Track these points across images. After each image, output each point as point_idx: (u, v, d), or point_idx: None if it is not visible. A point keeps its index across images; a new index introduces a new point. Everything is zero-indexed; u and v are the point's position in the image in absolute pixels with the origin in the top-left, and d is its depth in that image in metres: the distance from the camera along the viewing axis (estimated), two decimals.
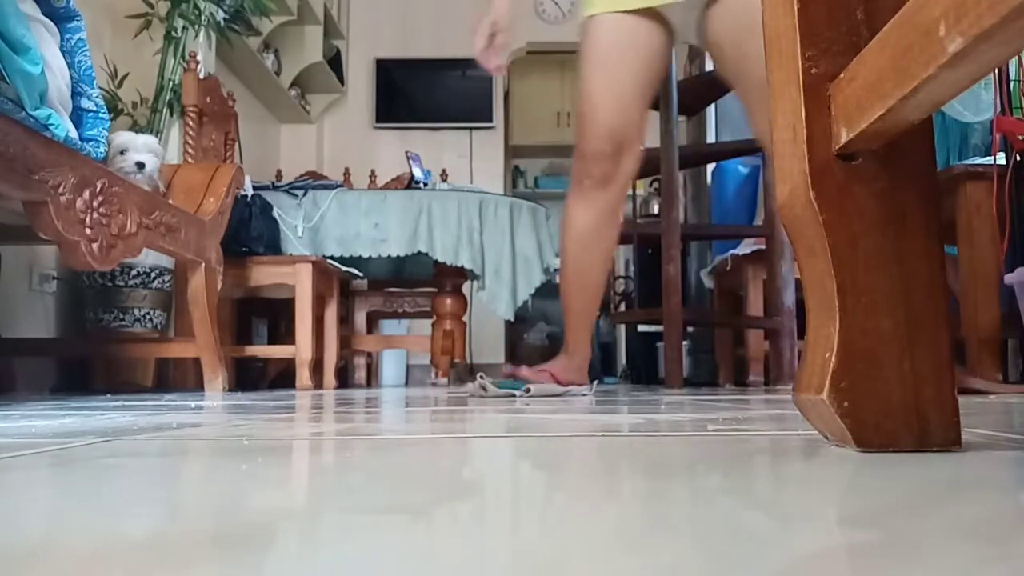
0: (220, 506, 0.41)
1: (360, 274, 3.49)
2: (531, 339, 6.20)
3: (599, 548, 0.30)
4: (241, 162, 3.24)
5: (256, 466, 0.55)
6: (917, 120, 0.56)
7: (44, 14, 1.64)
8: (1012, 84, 2.27)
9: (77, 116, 1.72)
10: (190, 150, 2.86)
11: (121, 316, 2.65)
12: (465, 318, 3.69)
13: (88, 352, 2.73)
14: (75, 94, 1.72)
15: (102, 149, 1.75)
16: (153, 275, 2.69)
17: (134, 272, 2.65)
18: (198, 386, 2.57)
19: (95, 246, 1.69)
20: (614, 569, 0.27)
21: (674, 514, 0.38)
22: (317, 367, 3.02)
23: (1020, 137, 2.13)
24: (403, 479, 0.50)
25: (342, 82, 5.49)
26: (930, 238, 0.61)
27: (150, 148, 2.37)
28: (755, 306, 3.35)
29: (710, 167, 4.21)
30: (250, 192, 3.06)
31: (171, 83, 3.00)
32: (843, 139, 0.59)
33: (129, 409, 1.31)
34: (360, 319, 4.07)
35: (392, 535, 0.33)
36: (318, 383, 3.05)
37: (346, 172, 4.67)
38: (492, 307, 3.41)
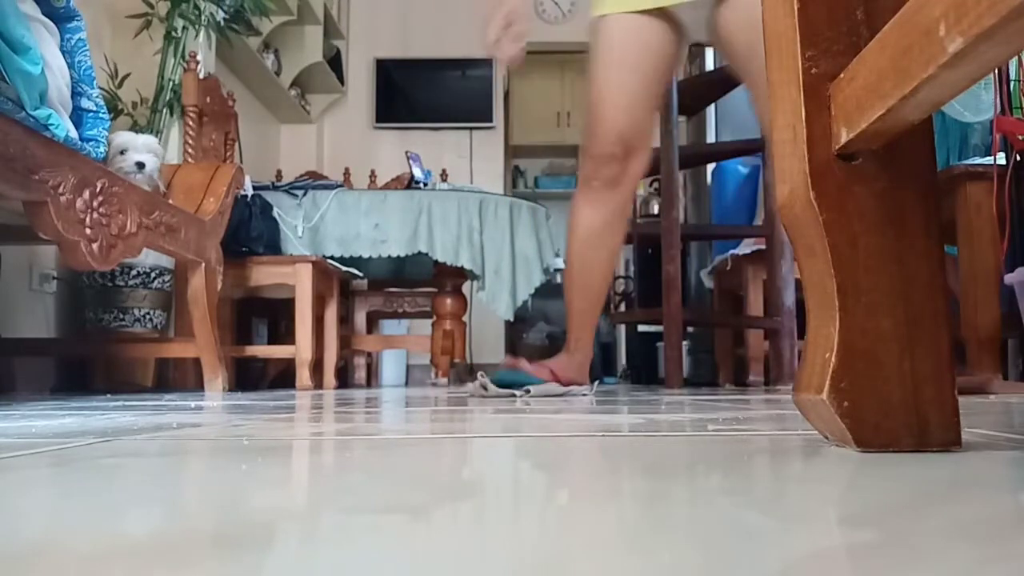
0: (220, 506, 0.41)
1: (360, 274, 3.49)
2: (531, 339, 6.20)
3: (599, 548, 0.30)
4: (241, 162, 3.24)
5: (256, 466, 0.55)
6: (917, 120, 0.56)
7: (44, 14, 1.64)
8: (1012, 84, 2.27)
9: (77, 116, 1.72)
10: (190, 150, 2.86)
11: (121, 316, 2.65)
12: (465, 318, 3.69)
13: (88, 352, 2.73)
14: (75, 94, 1.72)
15: (102, 149, 1.75)
16: (153, 275, 2.69)
17: (134, 272, 2.65)
18: (198, 386, 2.57)
19: (95, 246, 1.69)
20: (614, 569, 0.27)
21: (674, 514, 0.38)
22: (317, 367, 3.02)
23: (1020, 137, 2.13)
24: (403, 479, 0.50)
25: (342, 82, 5.49)
26: (930, 238, 0.61)
27: (150, 148, 2.37)
28: (755, 306, 3.35)
29: (710, 167, 4.21)
30: (250, 192, 3.06)
31: (171, 83, 3.00)
32: (843, 139, 0.59)
33: (129, 409, 1.31)
34: (360, 319, 4.07)
35: (392, 535, 0.33)
36: (318, 383, 3.05)
37: (346, 172, 4.67)
38: (492, 307, 3.41)
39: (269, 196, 3.19)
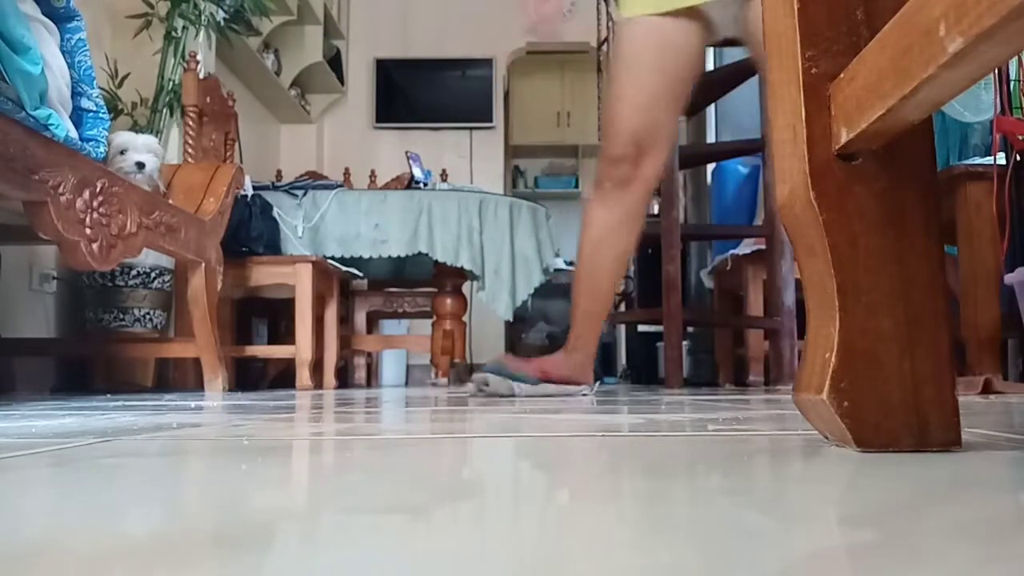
0: (220, 506, 0.41)
1: (360, 274, 3.49)
2: (531, 339, 6.20)
3: (599, 548, 0.30)
4: (241, 162, 3.24)
5: (256, 466, 0.55)
6: (917, 120, 0.56)
7: (44, 14, 1.64)
8: (1012, 84, 2.27)
9: (77, 116, 1.72)
10: (190, 150, 2.86)
11: (121, 316, 2.65)
12: (465, 318, 3.69)
13: (88, 352, 2.73)
14: (75, 94, 1.72)
15: (102, 149, 1.75)
16: (153, 275, 2.69)
17: (134, 272, 2.65)
18: (198, 386, 2.57)
19: (95, 246, 1.69)
20: (614, 569, 0.27)
21: (674, 514, 0.38)
22: (317, 367, 3.02)
23: (1020, 137, 2.13)
24: (403, 479, 0.50)
25: (342, 82, 5.49)
26: (930, 238, 0.61)
27: (150, 148, 2.37)
28: (755, 306, 3.35)
29: (710, 167, 4.21)
30: (250, 192, 3.06)
31: (171, 83, 3.00)
32: (843, 139, 0.59)
33: (129, 409, 1.31)
34: (360, 319, 4.07)
35: (392, 535, 0.33)
36: (318, 383, 3.05)
37: (346, 172, 4.67)
38: (491, 307, 3.41)
39: (269, 196, 3.19)
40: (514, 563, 0.28)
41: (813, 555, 0.29)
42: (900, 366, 0.59)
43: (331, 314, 3.21)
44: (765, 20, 0.67)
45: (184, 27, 3.07)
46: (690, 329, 4.04)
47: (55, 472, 0.54)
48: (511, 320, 3.86)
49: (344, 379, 3.92)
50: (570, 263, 5.81)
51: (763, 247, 3.12)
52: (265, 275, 2.88)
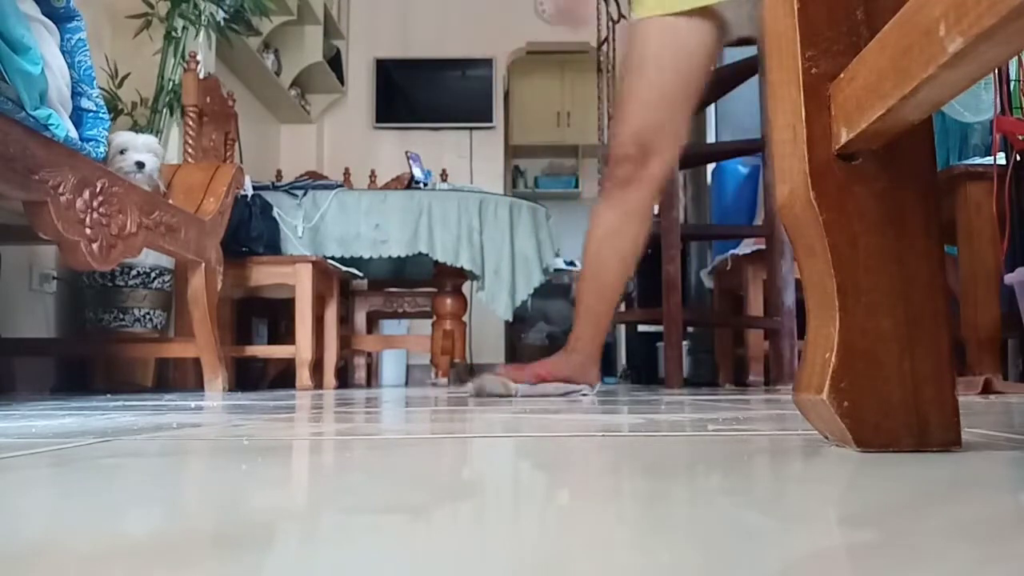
0: (220, 506, 0.41)
1: (360, 274, 3.49)
2: (531, 339, 6.20)
3: (599, 548, 0.30)
4: (241, 162, 3.24)
5: (256, 466, 0.55)
6: (917, 120, 0.56)
7: (44, 14, 1.64)
8: (1012, 84, 2.27)
9: (77, 116, 1.72)
10: (190, 150, 2.86)
11: (121, 316, 2.65)
12: (465, 318, 3.69)
13: (88, 352, 2.73)
14: (75, 94, 1.72)
15: (102, 149, 1.75)
16: (153, 275, 2.69)
17: (134, 272, 2.65)
18: (198, 386, 2.57)
19: (95, 246, 1.69)
20: (614, 569, 0.27)
21: (674, 514, 0.38)
22: (317, 367, 3.02)
23: (1020, 137, 2.13)
24: (403, 479, 0.50)
25: (342, 82, 5.49)
26: (930, 238, 0.61)
27: (150, 148, 2.37)
28: (755, 306, 3.35)
29: (710, 167, 4.21)
30: (250, 192, 3.06)
31: (171, 83, 3.00)
32: (843, 139, 0.59)
33: (129, 409, 1.31)
34: (360, 319, 4.07)
35: (392, 535, 0.33)
36: (318, 383, 3.05)
37: (346, 172, 4.67)
38: (491, 307, 3.41)
39: (269, 196, 3.19)
40: (514, 563, 0.28)
41: (813, 555, 0.29)
42: (900, 366, 0.59)
43: (331, 314, 3.21)
44: (765, 20, 0.67)
45: (184, 27, 3.07)
46: (690, 329, 4.04)
47: (55, 472, 0.54)
48: (511, 320, 3.86)
49: (344, 379, 3.92)
50: (570, 263, 5.82)
51: (763, 247, 3.12)
52: (265, 275, 2.88)
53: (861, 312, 0.59)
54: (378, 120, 5.61)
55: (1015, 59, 2.18)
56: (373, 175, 4.66)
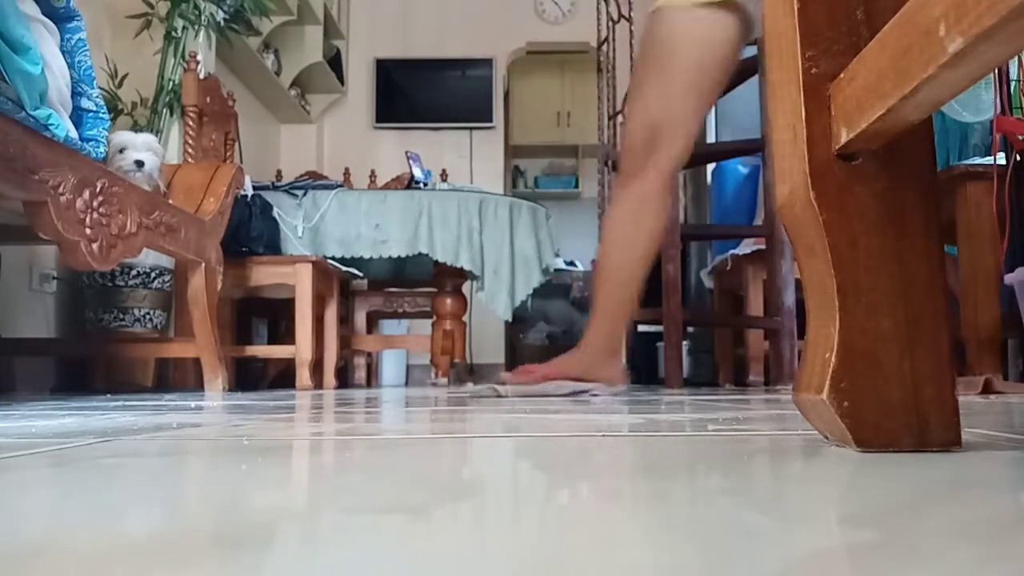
0: (220, 506, 0.41)
1: (360, 274, 3.49)
2: (531, 339, 6.20)
3: (599, 548, 0.30)
4: (241, 162, 3.24)
5: (256, 466, 0.55)
6: (917, 120, 0.56)
7: (44, 14, 1.64)
8: (1012, 84, 2.27)
9: (77, 116, 1.72)
10: (190, 150, 2.86)
11: (121, 316, 2.65)
12: (465, 318, 3.69)
13: (88, 352, 2.73)
14: (75, 94, 1.72)
15: (102, 149, 1.75)
16: (153, 275, 2.69)
17: (134, 272, 2.65)
18: (198, 386, 2.57)
19: (95, 246, 1.69)
20: (614, 569, 0.27)
21: (674, 514, 0.38)
22: (317, 367, 3.02)
23: (1020, 137, 2.13)
24: (403, 479, 0.50)
25: (342, 82, 5.49)
26: (930, 238, 0.61)
27: (149, 147, 2.37)
28: (755, 306, 3.35)
29: (710, 167, 4.21)
30: (250, 192, 3.06)
31: (171, 83, 3.00)
32: (843, 139, 0.59)
33: (129, 409, 1.31)
34: (360, 319, 4.07)
35: (392, 535, 0.33)
36: (318, 383, 3.05)
37: (346, 172, 4.67)
38: (490, 307, 3.41)
39: (269, 196, 3.19)
40: (514, 563, 0.28)
41: (813, 555, 0.29)
42: (900, 366, 0.59)
43: (331, 314, 3.21)
44: (765, 20, 0.67)
45: (184, 27, 3.07)
46: (690, 329, 4.04)
47: (55, 472, 0.54)
48: (511, 320, 3.86)
49: (344, 379, 3.92)
50: (570, 263, 5.82)
51: (763, 247, 3.12)
52: (265, 275, 2.88)
53: (861, 312, 0.59)
54: (378, 120, 5.61)
55: (1015, 59, 2.18)
56: (373, 175, 4.66)
